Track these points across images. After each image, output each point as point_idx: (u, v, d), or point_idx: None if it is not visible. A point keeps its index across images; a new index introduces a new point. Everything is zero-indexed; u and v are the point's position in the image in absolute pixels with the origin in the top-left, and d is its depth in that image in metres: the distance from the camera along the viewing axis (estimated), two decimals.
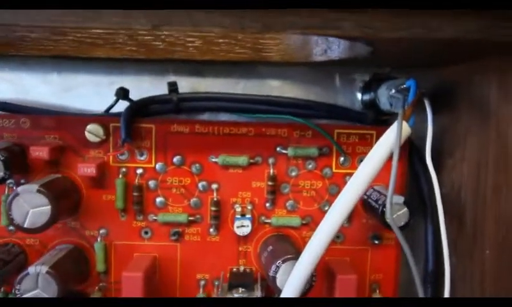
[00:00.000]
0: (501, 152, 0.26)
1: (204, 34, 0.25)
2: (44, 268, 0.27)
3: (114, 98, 0.31)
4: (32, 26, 0.22)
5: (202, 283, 0.32)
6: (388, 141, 0.25)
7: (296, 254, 0.28)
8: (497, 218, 0.26)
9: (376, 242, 0.32)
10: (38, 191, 0.26)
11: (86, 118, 0.30)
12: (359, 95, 0.34)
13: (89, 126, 0.30)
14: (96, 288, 0.32)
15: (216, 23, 0.21)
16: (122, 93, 0.30)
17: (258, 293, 0.29)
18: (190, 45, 0.30)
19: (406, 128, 0.25)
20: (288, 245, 0.30)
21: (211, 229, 0.32)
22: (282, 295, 0.26)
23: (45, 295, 0.27)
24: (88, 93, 0.34)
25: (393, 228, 0.24)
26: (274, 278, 0.27)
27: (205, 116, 0.33)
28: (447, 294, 0.27)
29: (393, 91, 0.30)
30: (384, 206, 0.28)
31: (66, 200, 0.29)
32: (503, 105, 0.26)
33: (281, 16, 0.20)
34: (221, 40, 0.29)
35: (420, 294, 0.23)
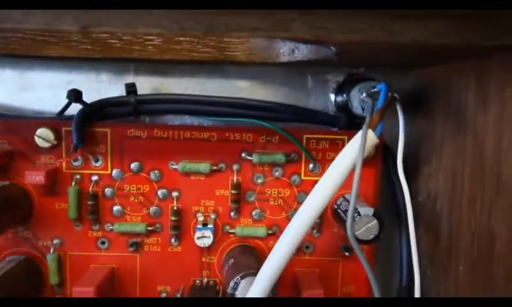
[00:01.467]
0: (477, 162, 0.24)
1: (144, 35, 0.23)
2: None
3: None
4: None
5: (163, 295, 0.31)
6: (352, 150, 0.23)
7: (258, 269, 0.26)
8: (472, 232, 0.25)
9: (347, 253, 0.31)
10: None
11: (36, 121, 0.29)
12: (332, 97, 0.32)
13: (39, 131, 0.28)
14: None
15: (153, 25, 0.19)
16: (74, 95, 0.28)
17: None
18: (148, 43, 0.28)
19: (372, 137, 0.23)
20: (251, 258, 0.28)
21: (172, 240, 0.30)
22: None
23: None
24: (44, 92, 0.32)
25: (353, 245, 0.22)
26: (232, 295, 0.25)
27: (169, 120, 0.31)
28: None
29: (364, 94, 0.28)
30: (352, 218, 0.27)
31: (13, 209, 0.28)
32: (480, 112, 0.24)
33: (226, 17, 0.19)
34: (181, 38, 0.27)
35: None
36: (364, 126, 0.23)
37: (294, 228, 0.23)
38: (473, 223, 0.24)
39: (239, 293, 0.25)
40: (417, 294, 0.26)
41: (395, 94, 0.25)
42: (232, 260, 0.28)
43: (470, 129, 0.25)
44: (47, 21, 0.19)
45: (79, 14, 0.18)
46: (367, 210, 0.26)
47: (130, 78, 0.31)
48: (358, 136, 0.23)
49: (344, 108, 0.31)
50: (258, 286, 0.24)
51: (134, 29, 0.19)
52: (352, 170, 0.23)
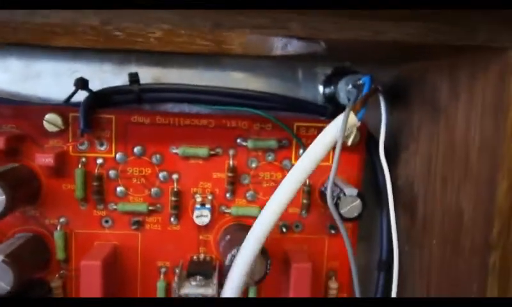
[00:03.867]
0: (448, 146, 0.27)
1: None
2: (0, 257, 0.27)
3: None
4: None
5: (163, 270, 0.33)
6: (333, 130, 0.25)
7: None
8: (444, 209, 0.28)
9: (333, 231, 0.33)
10: None
11: (44, 107, 0.30)
12: (321, 89, 0.35)
13: (48, 116, 0.30)
14: (57, 275, 0.32)
15: (166, 21, 0.21)
16: (81, 83, 0.30)
17: (215, 281, 0.30)
18: (151, 35, 0.30)
19: (353, 119, 0.26)
20: (246, 235, 0.31)
21: (172, 219, 0.32)
22: (227, 279, 0.26)
23: (1, 284, 0.27)
24: (49, 81, 0.33)
25: (335, 217, 0.25)
26: (228, 267, 0.28)
27: (168, 108, 0.33)
28: (395, 280, 0.29)
29: (350, 85, 0.31)
30: (338, 198, 0.29)
31: (23, 189, 0.29)
32: (452, 102, 0.27)
33: (231, 16, 0.21)
34: (182, 31, 0.29)
35: (356, 287, 0.24)
36: (347, 108, 0.26)
37: (275, 200, 0.26)
38: (444, 201, 0.27)
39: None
40: (396, 266, 0.29)
41: (378, 86, 0.28)
42: (228, 237, 0.31)
43: (443, 118, 0.28)
44: (71, 15, 0.21)
45: (101, 11, 0.20)
46: (351, 191, 0.29)
47: (132, 69, 0.33)
48: (340, 117, 0.26)
49: (331, 99, 0.33)
50: (242, 255, 0.26)
51: (148, 26, 0.21)
52: (343, 150, 0.26)
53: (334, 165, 0.24)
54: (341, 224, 0.25)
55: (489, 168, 0.23)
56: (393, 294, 0.29)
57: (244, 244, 0.26)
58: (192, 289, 0.30)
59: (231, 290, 0.26)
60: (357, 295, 0.26)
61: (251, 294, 0.33)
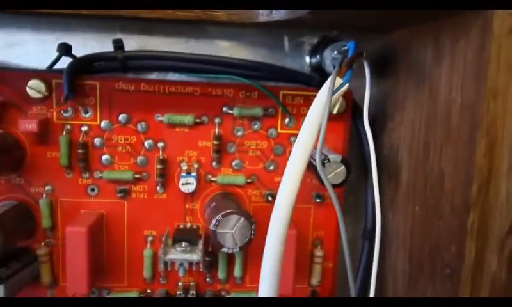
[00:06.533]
0: (432, 112, 0.27)
1: None
2: None
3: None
4: None
5: (150, 239, 0.33)
6: (323, 97, 0.25)
7: (237, 209, 0.29)
8: (426, 174, 0.28)
9: (318, 200, 0.34)
10: None
11: (27, 73, 0.30)
12: (307, 58, 0.35)
13: (31, 82, 0.30)
14: (43, 243, 0.32)
15: None
16: (64, 49, 0.30)
17: (200, 247, 0.30)
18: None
19: (339, 82, 0.26)
20: (232, 202, 0.31)
21: (158, 187, 0.32)
22: (262, 268, 0.26)
23: None
24: (32, 49, 0.33)
25: (324, 182, 0.25)
26: (214, 232, 0.28)
27: (153, 76, 0.33)
28: (377, 247, 0.29)
29: (336, 52, 0.31)
30: (322, 164, 0.29)
31: (7, 156, 0.29)
32: (435, 66, 0.27)
33: None
34: None
35: (346, 252, 0.24)
36: (333, 73, 0.26)
37: (291, 176, 0.26)
38: (427, 166, 0.28)
39: (219, 230, 0.28)
40: (378, 234, 0.29)
41: (362, 51, 0.28)
42: (213, 204, 0.31)
43: (426, 83, 0.28)
44: None
45: None
46: (335, 157, 0.29)
47: (117, 37, 0.33)
48: (327, 83, 0.26)
49: (317, 68, 0.33)
50: (272, 236, 0.26)
51: None
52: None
53: (322, 131, 0.24)
54: (330, 189, 0.25)
55: (469, 128, 0.23)
56: (375, 262, 0.29)
57: (269, 233, 0.26)
58: (178, 255, 0.30)
59: (268, 277, 0.26)
60: (347, 259, 0.26)
61: (238, 260, 0.33)
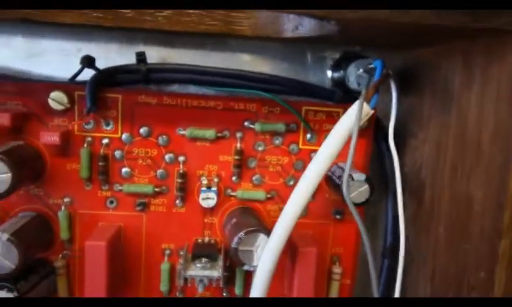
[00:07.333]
0: (460, 134, 0.27)
1: None
2: (5, 236, 0.26)
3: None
4: None
5: (167, 252, 0.33)
6: (349, 121, 0.25)
7: (259, 227, 0.28)
8: (452, 196, 0.28)
9: (338, 217, 0.33)
10: None
11: (50, 84, 0.30)
12: (329, 73, 0.35)
13: (53, 94, 0.29)
14: (60, 256, 0.32)
15: None
16: (87, 61, 0.29)
17: (220, 264, 0.30)
18: (159, 14, 0.29)
19: (367, 109, 0.25)
20: (252, 218, 0.31)
21: (177, 201, 0.32)
22: (257, 271, 0.26)
23: (7, 262, 0.27)
24: (54, 59, 0.33)
25: (348, 205, 0.25)
26: (235, 249, 0.28)
27: (174, 88, 0.33)
28: (400, 266, 0.29)
29: (361, 70, 0.30)
30: (348, 181, 0.29)
31: (28, 168, 0.29)
32: (465, 89, 0.27)
33: None
34: (191, 11, 0.29)
35: (371, 267, 0.24)
36: (360, 97, 0.25)
37: (300, 193, 0.26)
38: (453, 188, 0.27)
39: (241, 248, 0.28)
40: (401, 253, 0.29)
41: (390, 71, 0.28)
42: (234, 220, 0.31)
43: (454, 105, 0.28)
44: None
45: None
46: (359, 176, 0.29)
47: (139, 48, 0.33)
48: (354, 107, 0.26)
49: (340, 83, 0.33)
50: (270, 246, 0.26)
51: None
52: (348, 138, 0.26)
53: (350, 155, 0.24)
54: (353, 210, 0.25)
55: (501, 154, 0.23)
56: (398, 281, 0.29)
57: (270, 238, 0.26)
58: (198, 271, 0.30)
59: (258, 289, 0.26)
60: (372, 276, 0.25)
61: None
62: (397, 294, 0.28)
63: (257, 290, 0.27)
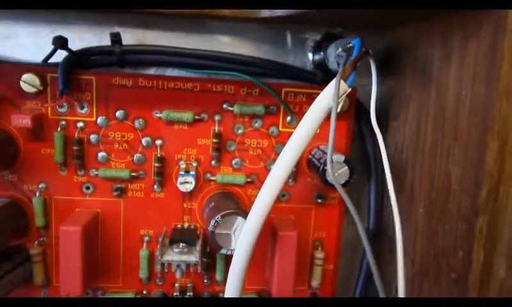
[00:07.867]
0: (439, 112, 0.27)
1: None
2: None
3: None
4: None
5: (146, 238, 0.32)
6: (325, 99, 0.25)
7: (237, 210, 0.28)
8: (432, 176, 0.27)
9: (320, 200, 0.33)
10: None
11: (21, 66, 0.29)
12: (310, 55, 0.34)
13: (25, 76, 0.29)
14: (36, 242, 0.31)
15: None
16: (60, 42, 0.28)
17: (198, 248, 0.29)
18: None
19: (344, 87, 0.25)
20: (231, 202, 0.30)
21: (155, 186, 0.31)
22: (234, 254, 0.26)
23: None
24: (27, 42, 0.32)
25: (334, 184, 0.24)
26: (212, 233, 0.27)
27: (151, 72, 0.32)
28: (400, 265, 0.27)
29: (340, 49, 0.30)
30: (325, 164, 0.29)
31: (0, 152, 0.28)
32: (443, 65, 0.26)
33: None
34: None
35: (367, 249, 0.23)
36: (338, 75, 0.25)
37: (276, 173, 0.25)
38: (433, 168, 0.27)
39: (218, 231, 0.27)
40: (400, 250, 0.27)
41: (369, 50, 0.27)
42: (212, 204, 0.30)
43: (434, 83, 0.27)
44: None
45: None
46: (338, 157, 0.29)
47: (114, 30, 0.32)
48: (331, 85, 0.25)
49: (320, 65, 0.33)
50: (247, 228, 0.26)
51: None
52: (327, 117, 0.25)
53: (331, 135, 0.23)
54: (340, 188, 0.24)
55: (479, 131, 0.22)
56: (400, 280, 0.27)
57: (247, 220, 0.25)
58: (175, 256, 0.29)
59: (236, 272, 0.26)
60: (369, 258, 0.24)
61: None
62: (400, 294, 0.27)
63: (235, 274, 0.26)
